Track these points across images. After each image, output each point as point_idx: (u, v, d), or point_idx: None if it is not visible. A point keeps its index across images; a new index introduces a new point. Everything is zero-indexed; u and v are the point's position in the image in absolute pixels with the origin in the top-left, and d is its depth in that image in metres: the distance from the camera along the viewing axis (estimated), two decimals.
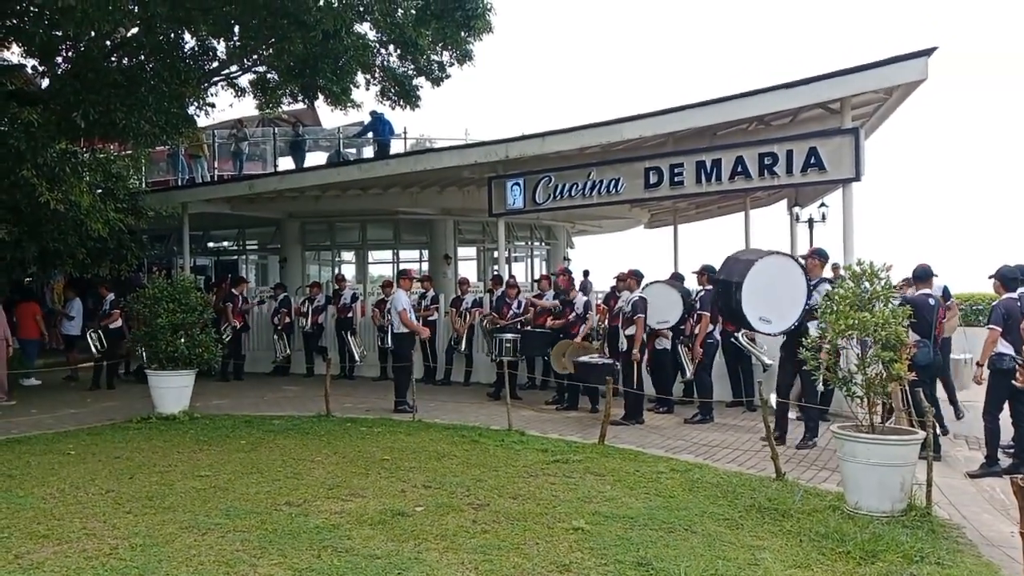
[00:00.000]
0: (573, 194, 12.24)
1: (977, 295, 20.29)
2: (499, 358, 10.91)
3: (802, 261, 8.17)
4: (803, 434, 8.06)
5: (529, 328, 11.41)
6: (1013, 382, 6.73)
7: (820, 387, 7.49)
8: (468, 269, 21.57)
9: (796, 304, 7.70)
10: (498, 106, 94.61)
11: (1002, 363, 6.94)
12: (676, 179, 11.25)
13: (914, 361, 7.90)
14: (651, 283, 10.22)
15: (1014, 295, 7.06)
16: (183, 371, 10.07)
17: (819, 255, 8.39)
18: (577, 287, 11.81)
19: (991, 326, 7.06)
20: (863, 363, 5.65)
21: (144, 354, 10.37)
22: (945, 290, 9.19)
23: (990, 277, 7.48)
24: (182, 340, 10.03)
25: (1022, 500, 3.77)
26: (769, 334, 8.39)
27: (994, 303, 7.30)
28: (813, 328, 6.73)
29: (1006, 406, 7.10)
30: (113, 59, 12.75)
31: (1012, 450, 7.12)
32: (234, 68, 14.60)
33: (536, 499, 5.89)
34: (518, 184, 12.76)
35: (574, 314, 10.89)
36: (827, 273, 8.66)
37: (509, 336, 11.09)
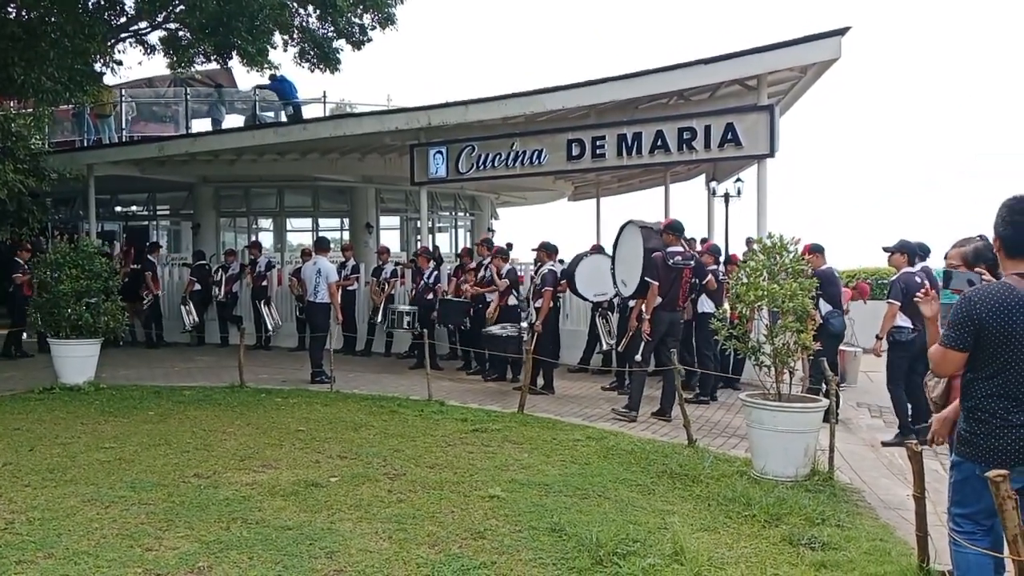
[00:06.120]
0: (496, 164, 12.18)
1: (883, 270, 21.10)
2: (390, 329, 10.95)
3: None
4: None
5: (448, 297, 11.33)
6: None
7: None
8: (391, 239, 21.28)
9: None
10: (423, 73, 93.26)
11: (901, 336, 7.18)
12: (598, 151, 11.32)
13: (832, 329, 8.18)
14: (588, 255, 10.23)
15: (913, 270, 7.19)
16: (87, 340, 9.67)
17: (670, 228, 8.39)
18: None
19: (891, 300, 7.14)
20: (771, 333, 5.82)
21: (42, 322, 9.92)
22: None
23: (886, 249, 7.36)
24: (85, 308, 9.62)
25: (916, 465, 3.94)
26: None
27: (893, 278, 7.41)
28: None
29: None
30: (10, 10, 12.00)
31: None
32: (143, 24, 13.96)
33: (453, 468, 5.89)
34: (441, 152, 12.63)
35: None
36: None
37: (404, 308, 11.00)
